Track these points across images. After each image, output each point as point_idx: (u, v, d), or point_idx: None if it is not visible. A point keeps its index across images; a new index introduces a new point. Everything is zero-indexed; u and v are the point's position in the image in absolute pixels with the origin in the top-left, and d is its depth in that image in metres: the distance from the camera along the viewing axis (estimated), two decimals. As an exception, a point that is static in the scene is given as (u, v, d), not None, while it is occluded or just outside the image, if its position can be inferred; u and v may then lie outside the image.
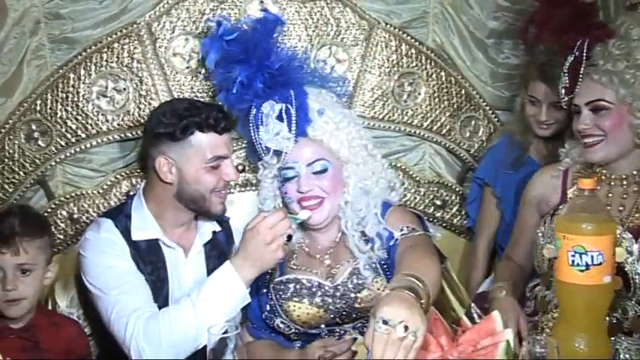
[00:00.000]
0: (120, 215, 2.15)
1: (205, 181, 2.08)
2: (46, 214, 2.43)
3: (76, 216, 2.48)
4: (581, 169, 2.12)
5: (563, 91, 2.10)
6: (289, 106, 2.03)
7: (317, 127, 2.05)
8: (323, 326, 2.06)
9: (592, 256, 1.64)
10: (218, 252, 2.21)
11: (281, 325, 2.09)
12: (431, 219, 2.65)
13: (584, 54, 2.04)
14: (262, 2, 2.47)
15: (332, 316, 2.04)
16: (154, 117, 2.12)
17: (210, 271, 2.12)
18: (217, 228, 2.25)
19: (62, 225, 2.48)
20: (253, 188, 2.55)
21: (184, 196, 2.10)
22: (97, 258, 2.07)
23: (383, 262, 2.06)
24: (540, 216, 2.19)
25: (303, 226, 2.11)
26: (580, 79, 2.04)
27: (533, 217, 2.22)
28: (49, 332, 2.04)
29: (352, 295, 2.03)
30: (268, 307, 2.10)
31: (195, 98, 2.40)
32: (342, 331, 2.06)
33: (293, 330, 2.08)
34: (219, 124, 2.07)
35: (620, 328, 1.96)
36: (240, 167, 2.51)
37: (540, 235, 2.12)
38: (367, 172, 2.11)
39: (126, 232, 2.11)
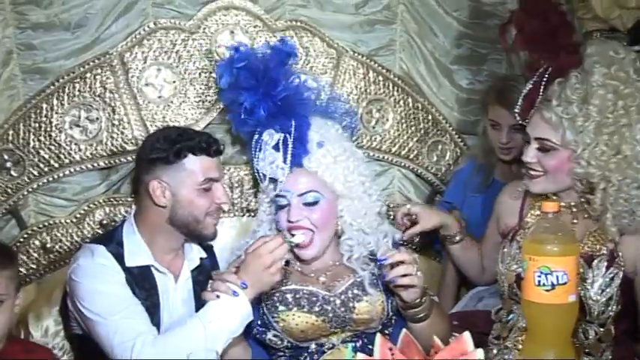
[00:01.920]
0: (111, 242, 2.16)
1: (199, 204, 2.12)
2: (18, 244, 2.44)
3: (49, 245, 2.47)
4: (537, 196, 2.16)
5: (517, 115, 2.16)
6: (287, 137, 2.10)
7: (313, 159, 2.11)
8: (312, 341, 2.09)
9: (557, 276, 1.71)
10: (205, 277, 2.21)
11: (273, 339, 2.10)
12: (402, 242, 2.69)
13: (543, 84, 2.08)
14: (232, 33, 2.51)
15: (329, 325, 2.07)
16: (147, 144, 2.18)
17: (198, 297, 2.15)
18: (204, 254, 2.28)
19: (35, 255, 2.47)
20: (225, 215, 2.57)
21: (177, 220, 2.13)
22: (93, 284, 2.06)
23: (384, 281, 2.10)
24: (500, 234, 2.27)
25: (293, 251, 2.14)
26: (534, 109, 2.08)
27: (495, 233, 2.31)
28: None
29: (351, 304, 2.07)
30: (260, 322, 2.11)
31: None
32: (331, 345, 2.09)
33: (285, 343, 2.09)
34: (211, 147, 2.13)
35: (581, 349, 2.04)
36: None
37: (500, 260, 2.18)
38: (361, 210, 2.16)
39: (119, 258, 2.12)
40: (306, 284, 2.13)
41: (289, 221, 2.09)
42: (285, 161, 2.09)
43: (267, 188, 2.16)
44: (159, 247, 2.17)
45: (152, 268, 2.16)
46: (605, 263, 2.03)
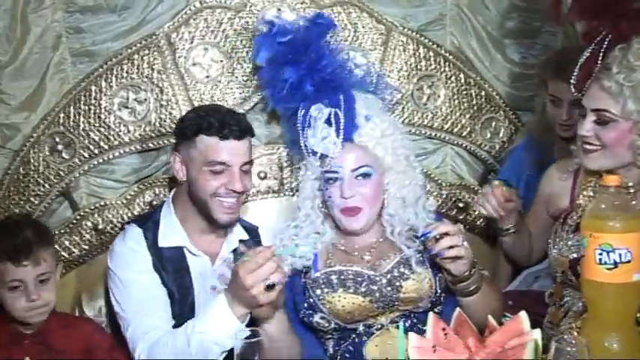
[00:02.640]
0: (149, 222, 2.19)
1: (204, 185, 2.10)
2: (71, 225, 2.47)
3: (100, 227, 2.49)
4: (590, 176, 2.07)
5: (572, 87, 2.07)
6: (338, 111, 2.06)
7: (363, 134, 2.08)
8: (360, 322, 2.05)
9: (620, 254, 1.63)
10: None
11: (320, 322, 2.07)
12: (453, 222, 2.63)
13: (602, 52, 1.98)
14: (279, 10, 2.47)
15: (376, 305, 2.03)
16: (182, 118, 2.21)
17: None
18: (245, 236, 2.27)
19: (87, 236, 2.49)
20: (275, 195, 2.56)
21: (193, 198, 2.14)
22: (121, 272, 2.11)
23: (430, 255, 2.05)
24: (549, 216, 2.18)
25: (339, 228, 2.14)
26: (591, 79, 1.98)
27: (543, 213, 2.24)
28: (62, 334, 2.04)
29: (397, 283, 2.04)
30: (306, 305, 2.09)
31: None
32: (380, 325, 2.06)
33: (332, 325, 2.07)
34: (223, 129, 2.08)
35: None
36: (261, 175, 2.53)
37: (552, 245, 2.10)
38: (405, 180, 2.13)
39: (153, 239, 2.14)
40: (351, 264, 2.10)
41: (343, 197, 2.06)
42: (338, 136, 2.05)
43: (314, 165, 2.12)
44: (193, 228, 2.18)
45: (185, 250, 2.16)
46: None
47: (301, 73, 2.12)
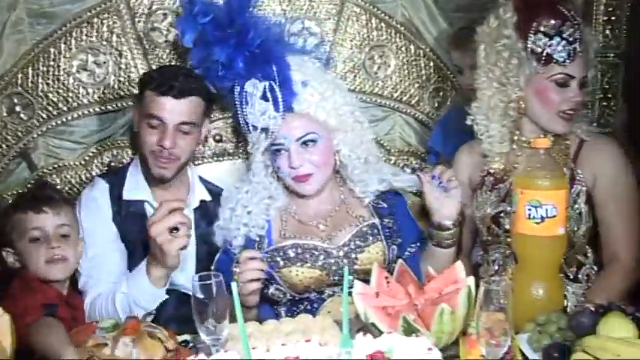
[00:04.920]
0: (116, 176, 2.29)
1: (143, 138, 2.19)
2: (28, 186, 2.49)
3: (58, 187, 2.51)
4: (499, 143, 2.22)
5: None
6: (273, 84, 2.07)
7: (302, 100, 2.08)
8: (313, 292, 2.11)
9: (547, 209, 1.78)
10: (207, 220, 2.28)
11: (275, 293, 2.12)
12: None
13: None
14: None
15: (333, 278, 2.08)
16: None
17: (198, 237, 2.24)
18: (207, 197, 2.33)
19: (45, 196, 2.54)
20: (230, 158, 2.64)
21: (140, 151, 2.24)
22: (84, 221, 2.17)
23: (387, 230, 2.15)
24: (472, 190, 2.32)
25: (291, 192, 2.17)
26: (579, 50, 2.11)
27: (466, 188, 2.32)
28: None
29: (353, 255, 2.09)
30: None
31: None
32: (332, 292, 2.11)
33: (288, 297, 2.12)
34: (163, 85, 2.14)
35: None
36: (217, 137, 2.60)
37: (475, 208, 2.26)
38: (356, 139, 2.15)
39: (117, 193, 2.22)
40: (307, 236, 2.13)
41: (292, 167, 2.09)
42: (277, 110, 2.06)
43: (259, 139, 2.12)
44: (154, 183, 2.24)
45: (147, 204, 2.23)
46: (569, 182, 2.08)
47: (230, 51, 2.11)
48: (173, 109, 2.15)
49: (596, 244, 2.21)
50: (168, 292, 2.09)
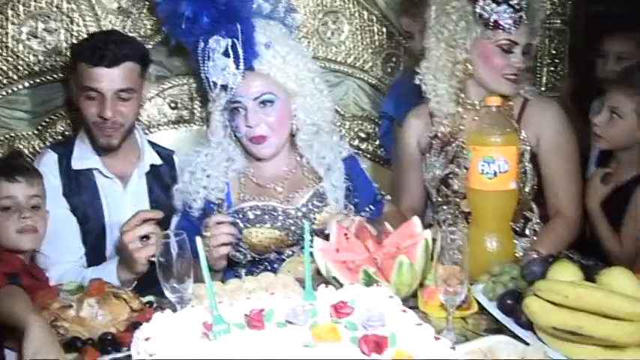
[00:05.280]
0: (65, 147, 2.26)
1: (84, 111, 2.17)
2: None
3: (15, 159, 2.51)
4: (447, 105, 2.28)
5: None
6: (236, 42, 2.09)
7: (264, 62, 2.11)
8: (272, 252, 2.15)
9: (499, 165, 1.85)
10: (160, 183, 2.30)
11: (236, 254, 2.14)
12: (356, 151, 2.79)
13: None
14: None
15: (292, 237, 2.12)
16: None
17: (152, 202, 2.25)
18: (158, 161, 2.33)
19: (-2, 167, 2.50)
20: (187, 125, 2.65)
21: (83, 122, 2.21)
22: None
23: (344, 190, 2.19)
24: (421, 152, 2.38)
25: (248, 154, 2.20)
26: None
27: (416, 152, 2.40)
28: None
29: (312, 215, 2.13)
30: None
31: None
32: (291, 252, 2.15)
33: (248, 258, 2.15)
34: (94, 56, 2.11)
35: None
36: (172, 104, 2.60)
37: (424, 170, 2.33)
38: (314, 105, 2.19)
39: (66, 164, 2.20)
40: (265, 198, 2.16)
41: (248, 126, 2.12)
42: (237, 67, 2.09)
43: (219, 96, 2.15)
44: (103, 151, 2.23)
45: (96, 173, 2.22)
46: None
47: (197, 6, 2.13)
48: (108, 78, 2.12)
49: (541, 201, 2.30)
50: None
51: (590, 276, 1.60)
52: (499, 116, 1.89)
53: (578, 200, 2.25)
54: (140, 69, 2.21)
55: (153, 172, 2.32)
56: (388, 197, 2.34)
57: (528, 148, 2.21)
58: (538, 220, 2.28)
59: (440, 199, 2.30)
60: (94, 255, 2.21)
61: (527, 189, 2.23)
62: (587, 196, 2.37)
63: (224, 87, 2.14)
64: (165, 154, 2.38)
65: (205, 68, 2.16)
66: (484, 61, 2.18)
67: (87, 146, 2.24)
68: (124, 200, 2.25)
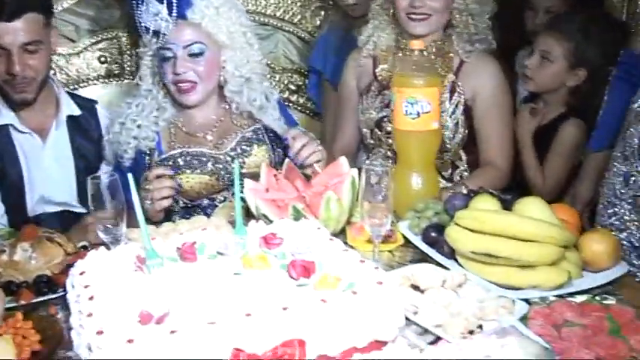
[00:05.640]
0: None
1: None
2: None
3: None
4: (386, 50, 2.35)
5: None
6: None
7: (197, 11, 2.12)
8: (205, 199, 2.18)
9: (422, 106, 1.92)
10: (82, 134, 2.28)
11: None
12: (287, 103, 2.84)
13: None
14: None
15: (222, 182, 2.17)
16: None
17: (75, 153, 2.24)
18: (77, 112, 2.29)
19: None
20: (117, 79, 2.64)
21: None
22: None
23: (271, 133, 2.23)
24: (359, 93, 2.44)
25: (177, 104, 2.22)
26: None
27: (354, 95, 2.45)
28: None
29: (240, 160, 2.16)
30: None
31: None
32: (223, 198, 2.19)
33: (180, 204, 2.19)
34: None
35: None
36: (102, 59, 2.59)
37: (360, 112, 2.39)
38: (243, 59, 2.21)
39: None
40: (195, 145, 2.20)
41: (175, 73, 2.14)
42: (170, 13, 2.09)
43: (150, 42, 2.16)
44: (18, 106, 2.17)
45: (11, 128, 2.17)
46: (449, 93, 2.27)
47: None
48: (10, 33, 2.04)
49: (470, 149, 2.39)
50: (55, 214, 2.13)
51: (507, 207, 1.70)
52: (422, 59, 1.96)
53: (509, 154, 2.36)
54: (44, 18, 2.13)
55: (73, 123, 2.28)
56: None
57: (463, 100, 2.28)
58: (465, 167, 2.37)
59: (372, 142, 2.37)
60: (15, 212, 2.17)
61: (456, 140, 2.30)
62: (517, 126, 2.50)
63: (156, 33, 2.13)
64: (87, 104, 2.34)
65: (139, 12, 2.14)
66: (394, 2, 2.26)
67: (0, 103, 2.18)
68: (43, 154, 2.22)
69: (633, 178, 1.88)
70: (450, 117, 2.27)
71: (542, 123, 2.61)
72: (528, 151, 2.52)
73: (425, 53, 2.15)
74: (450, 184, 2.29)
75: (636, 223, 1.89)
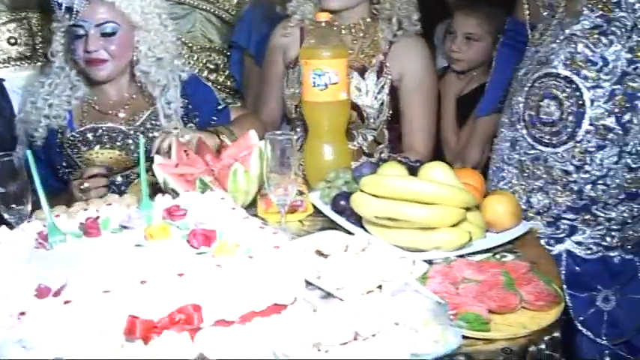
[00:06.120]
0: None
1: None
2: None
3: None
4: (314, 22, 2.33)
5: None
6: None
7: None
8: (118, 174, 2.20)
9: (329, 77, 1.95)
10: None
11: None
12: (206, 80, 2.81)
13: None
14: None
15: (132, 157, 2.17)
16: None
17: None
18: None
19: None
20: (28, 62, 2.58)
21: None
22: None
23: (181, 109, 2.24)
24: (285, 66, 2.45)
25: (90, 81, 2.22)
26: None
27: (280, 67, 2.46)
28: None
29: (150, 135, 2.18)
30: (64, 163, 2.19)
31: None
32: (136, 175, 2.18)
33: None
34: None
35: (361, 152, 2.37)
36: (11, 40, 2.53)
37: (285, 86, 2.40)
38: (156, 40, 2.21)
39: None
40: (105, 121, 2.21)
41: (86, 51, 2.13)
42: None
43: (63, 18, 2.14)
44: None
45: None
46: (376, 74, 2.31)
47: None
48: None
49: (392, 126, 2.43)
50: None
51: (414, 173, 1.74)
52: (328, 31, 1.98)
53: (432, 138, 2.41)
54: None
55: None
56: (237, 105, 2.44)
57: (389, 81, 2.32)
58: (387, 144, 2.41)
59: (295, 116, 2.39)
60: None
61: (381, 119, 2.34)
62: (444, 85, 2.57)
63: (69, 9, 2.11)
64: None
65: None
66: None
67: None
68: None
69: (519, 143, 1.95)
70: (376, 98, 2.31)
71: (464, 92, 2.69)
72: (449, 113, 2.60)
73: (352, 32, 2.27)
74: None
75: (523, 186, 1.96)
